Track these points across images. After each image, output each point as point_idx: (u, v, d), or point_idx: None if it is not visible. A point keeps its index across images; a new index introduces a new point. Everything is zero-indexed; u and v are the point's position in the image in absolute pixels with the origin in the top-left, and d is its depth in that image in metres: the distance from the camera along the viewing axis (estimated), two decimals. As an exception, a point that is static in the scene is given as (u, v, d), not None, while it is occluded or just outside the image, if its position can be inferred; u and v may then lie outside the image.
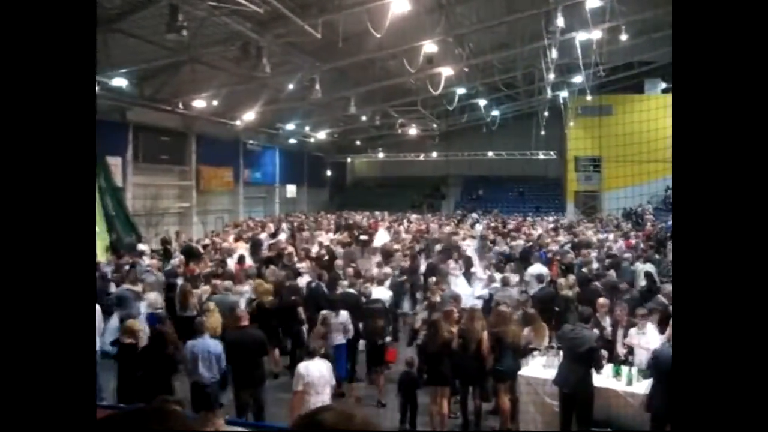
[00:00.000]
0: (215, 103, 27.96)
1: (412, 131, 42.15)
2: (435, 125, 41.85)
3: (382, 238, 23.79)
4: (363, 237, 23.65)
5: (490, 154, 46.00)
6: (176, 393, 8.96)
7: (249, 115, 31.47)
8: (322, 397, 8.11)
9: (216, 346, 9.20)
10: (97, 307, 10.64)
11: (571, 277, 13.67)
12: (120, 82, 22.70)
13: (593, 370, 8.45)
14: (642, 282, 14.07)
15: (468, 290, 13.74)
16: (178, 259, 16.90)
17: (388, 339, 11.71)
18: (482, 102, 36.35)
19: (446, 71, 25.43)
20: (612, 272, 14.61)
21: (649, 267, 15.04)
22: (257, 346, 9.50)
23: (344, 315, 10.87)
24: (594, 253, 17.90)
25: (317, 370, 8.21)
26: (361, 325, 11.38)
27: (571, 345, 8.58)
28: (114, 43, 19.85)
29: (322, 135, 41.24)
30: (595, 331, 9.24)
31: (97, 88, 22.34)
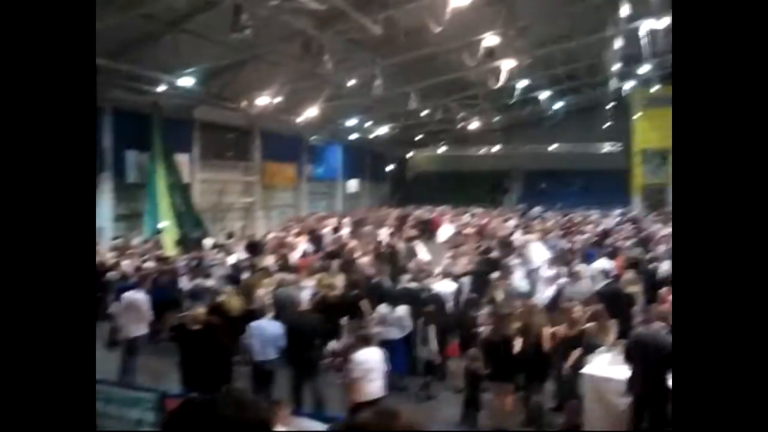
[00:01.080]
0: (278, 99, 28.36)
1: (473, 125, 41.80)
2: (496, 119, 41.37)
3: (444, 232, 23.74)
4: (420, 232, 23.65)
5: (553, 147, 45.18)
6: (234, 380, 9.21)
7: (311, 112, 31.81)
8: (377, 383, 8.44)
9: (277, 327, 9.52)
10: (141, 297, 11.04)
11: (636, 273, 13.34)
12: (187, 81, 23.27)
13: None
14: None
15: (528, 286, 13.57)
16: (242, 253, 17.26)
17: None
18: (544, 94, 35.69)
19: (507, 64, 25.11)
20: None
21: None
22: (312, 329, 9.74)
23: (402, 310, 10.88)
24: (661, 248, 17.42)
25: (372, 358, 8.51)
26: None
27: (647, 350, 8.21)
28: (181, 43, 20.38)
29: (383, 130, 41.31)
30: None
31: (164, 87, 23.06)
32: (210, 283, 13.26)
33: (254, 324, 9.81)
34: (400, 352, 10.84)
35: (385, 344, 10.71)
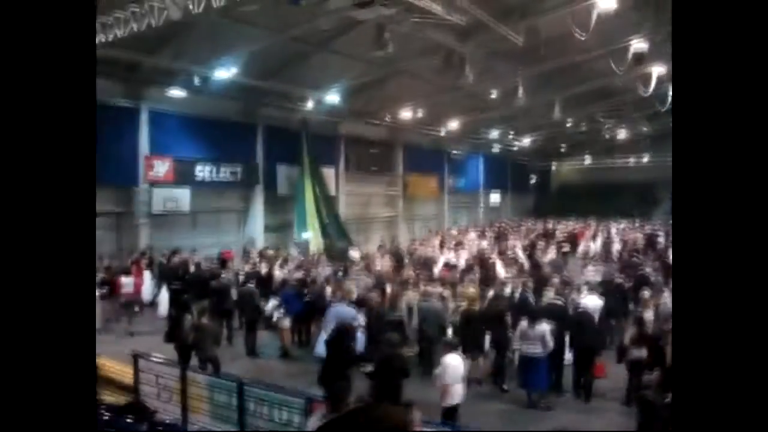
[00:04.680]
0: (420, 113, 28.79)
1: (621, 135, 40.18)
2: (645, 128, 39.58)
3: (588, 246, 23.00)
4: (565, 245, 23.01)
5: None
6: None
7: (453, 124, 32.00)
8: (461, 386, 8.85)
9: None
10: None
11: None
12: (333, 98, 24.22)
13: None
14: None
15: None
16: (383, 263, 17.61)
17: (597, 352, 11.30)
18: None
19: (657, 69, 23.96)
20: None
21: None
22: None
23: (543, 327, 10.54)
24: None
25: (458, 364, 8.88)
26: (567, 336, 11.07)
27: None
28: (328, 62, 21.26)
29: (526, 141, 40.73)
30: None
31: (312, 104, 24.13)
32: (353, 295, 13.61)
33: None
34: (542, 370, 10.59)
35: (526, 361, 10.55)
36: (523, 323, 10.73)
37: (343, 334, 10.21)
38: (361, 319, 10.22)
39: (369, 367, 9.27)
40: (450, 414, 8.78)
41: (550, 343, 10.52)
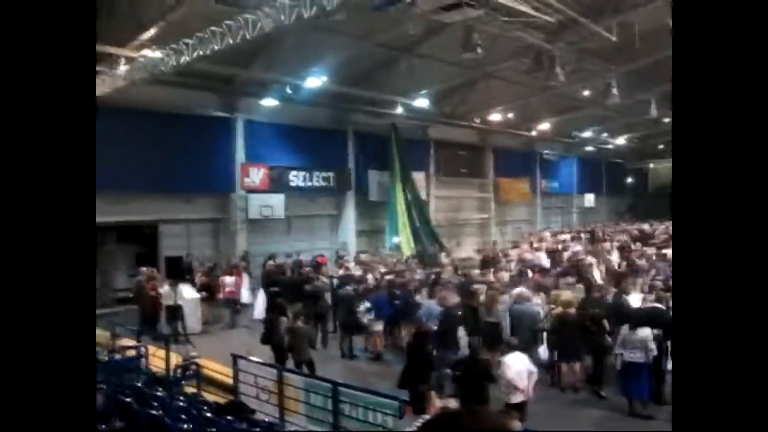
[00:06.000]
0: (510, 115, 28.46)
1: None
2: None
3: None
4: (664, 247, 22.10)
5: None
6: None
7: (544, 125, 31.45)
8: (525, 383, 8.83)
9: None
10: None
11: None
12: (422, 102, 24.29)
13: None
14: None
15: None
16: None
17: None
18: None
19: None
20: None
21: None
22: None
23: (645, 332, 10.13)
24: None
25: (520, 362, 8.93)
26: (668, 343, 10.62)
27: None
28: (415, 67, 21.36)
29: (620, 141, 39.55)
30: None
31: (401, 109, 24.29)
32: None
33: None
34: (643, 377, 10.20)
35: (628, 367, 10.21)
36: (624, 328, 10.39)
37: (422, 337, 10.21)
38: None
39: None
40: (516, 409, 8.62)
41: (654, 350, 10.12)
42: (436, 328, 11.22)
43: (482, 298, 13.41)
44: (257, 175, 21.86)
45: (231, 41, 12.59)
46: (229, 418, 7.19)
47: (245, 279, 18.14)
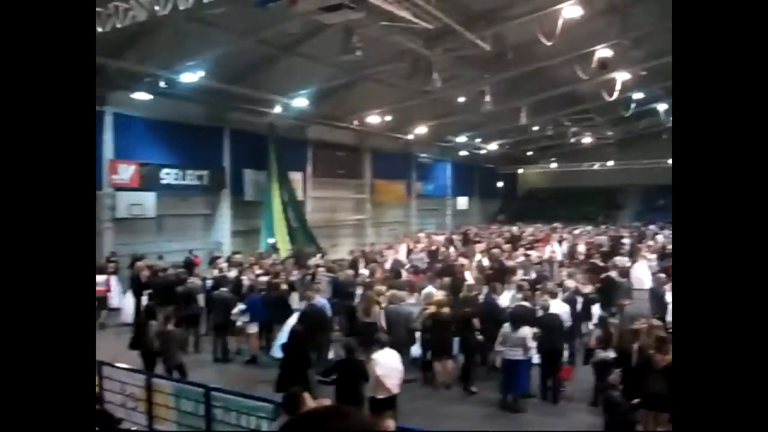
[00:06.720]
0: (388, 118, 28.84)
1: (586, 140, 40.75)
2: (610, 133, 40.17)
3: (552, 250, 23.22)
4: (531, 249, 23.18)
5: (672, 161, 43.11)
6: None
7: (420, 129, 32.11)
8: (394, 379, 8.90)
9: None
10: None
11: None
12: (301, 102, 24.11)
13: None
14: None
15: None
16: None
17: (565, 355, 11.45)
18: (662, 107, 33.99)
19: (622, 76, 24.36)
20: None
21: None
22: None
23: (525, 331, 10.60)
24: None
25: (390, 359, 9.00)
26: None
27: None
28: (295, 66, 21.18)
29: (493, 146, 41.03)
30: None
31: (279, 109, 24.00)
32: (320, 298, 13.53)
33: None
34: (523, 374, 10.65)
35: (507, 364, 10.61)
36: (506, 327, 10.79)
37: (298, 338, 10.14)
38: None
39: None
40: (383, 405, 8.72)
41: (532, 349, 10.62)
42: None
43: (357, 300, 13.54)
44: (127, 171, 20.83)
45: (101, 29, 11.98)
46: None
47: (114, 281, 17.30)
